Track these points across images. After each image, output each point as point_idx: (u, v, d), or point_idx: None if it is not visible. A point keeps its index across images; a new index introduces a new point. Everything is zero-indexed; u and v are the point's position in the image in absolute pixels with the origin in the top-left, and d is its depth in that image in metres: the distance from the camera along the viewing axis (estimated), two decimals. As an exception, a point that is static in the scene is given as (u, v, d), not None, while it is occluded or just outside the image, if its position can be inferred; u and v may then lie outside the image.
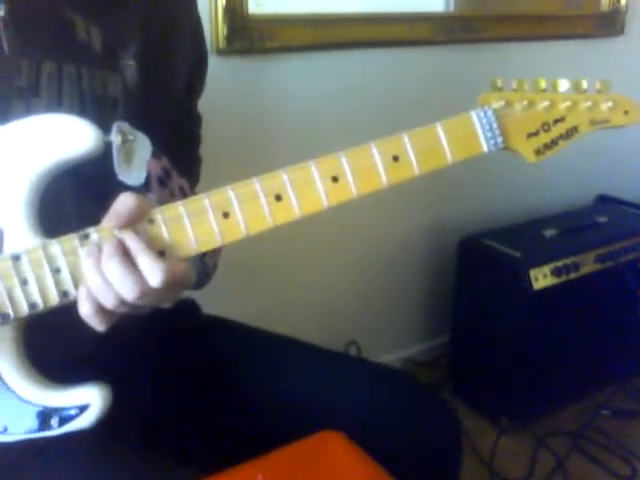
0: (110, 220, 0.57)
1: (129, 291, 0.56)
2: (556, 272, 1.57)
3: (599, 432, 1.66)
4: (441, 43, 1.65)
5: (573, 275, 1.59)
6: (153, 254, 0.57)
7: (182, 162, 0.77)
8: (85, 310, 0.57)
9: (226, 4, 1.30)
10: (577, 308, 1.63)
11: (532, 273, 1.54)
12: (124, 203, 0.56)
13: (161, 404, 0.81)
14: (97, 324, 0.58)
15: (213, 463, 0.66)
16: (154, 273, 0.56)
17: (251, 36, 1.35)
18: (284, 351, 0.87)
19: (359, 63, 1.55)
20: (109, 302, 0.57)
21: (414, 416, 0.79)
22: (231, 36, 1.32)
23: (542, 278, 1.55)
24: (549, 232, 1.70)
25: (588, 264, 1.62)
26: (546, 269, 1.56)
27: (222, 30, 1.32)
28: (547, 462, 1.59)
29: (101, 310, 0.58)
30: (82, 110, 0.65)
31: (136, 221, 0.57)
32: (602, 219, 1.80)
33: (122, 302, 0.57)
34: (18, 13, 0.63)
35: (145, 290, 0.56)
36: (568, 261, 1.59)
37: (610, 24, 1.93)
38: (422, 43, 1.63)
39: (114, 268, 0.56)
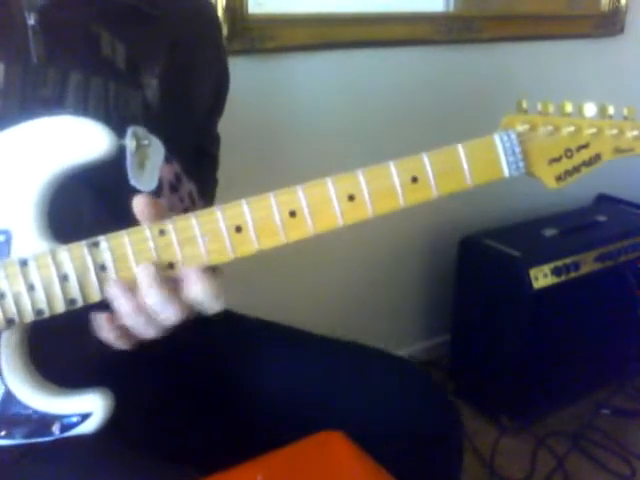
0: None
1: (173, 317, 0.56)
2: (556, 271, 1.57)
3: (599, 432, 1.66)
4: (441, 43, 1.65)
5: (573, 274, 1.59)
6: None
7: (200, 183, 0.77)
8: (111, 337, 0.58)
9: (226, 4, 1.30)
10: (577, 308, 1.63)
11: (532, 272, 1.54)
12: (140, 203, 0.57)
13: (160, 403, 0.81)
14: (123, 345, 0.59)
15: (213, 463, 0.66)
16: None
17: (251, 36, 1.35)
18: (284, 345, 0.86)
19: (359, 63, 1.55)
20: (146, 330, 0.57)
21: (414, 411, 0.79)
22: (231, 36, 1.32)
23: (542, 277, 1.55)
24: (549, 231, 1.70)
25: (588, 263, 1.62)
26: (546, 268, 1.56)
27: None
28: (547, 462, 1.58)
29: (128, 334, 0.58)
30: (107, 124, 0.65)
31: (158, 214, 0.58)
32: (602, 218, 1.80)
33: (160, 327, 0.57)
34: (47, 23, 0.63)
35: (190, 310, 0.57)
36: (568, 260, 1.59)
37: (610, 24, 1.93)
38: (422, 43, 1.63)
39: (155, 296, 0.56)
